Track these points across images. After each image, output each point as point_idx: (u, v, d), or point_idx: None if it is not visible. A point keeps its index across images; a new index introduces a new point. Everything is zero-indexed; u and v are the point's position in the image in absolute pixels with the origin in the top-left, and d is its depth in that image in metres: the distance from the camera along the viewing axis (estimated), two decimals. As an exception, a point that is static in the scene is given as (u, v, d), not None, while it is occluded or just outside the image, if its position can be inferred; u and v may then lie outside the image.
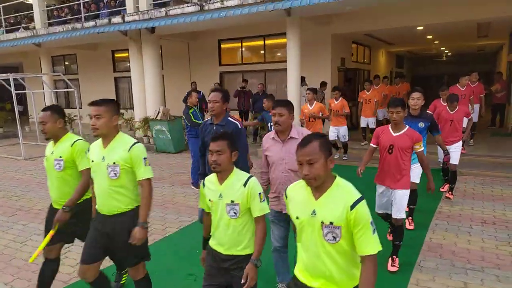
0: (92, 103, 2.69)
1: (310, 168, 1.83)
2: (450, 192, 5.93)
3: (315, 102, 7.39)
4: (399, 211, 3.77)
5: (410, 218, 4.84)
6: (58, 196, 3.14)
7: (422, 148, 3.79)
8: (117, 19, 11.30)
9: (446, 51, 21.24)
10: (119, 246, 2.79)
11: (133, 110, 12.50)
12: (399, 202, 3.76)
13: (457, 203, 5.68)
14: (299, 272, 2.02)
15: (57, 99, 17.00)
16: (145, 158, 2.79)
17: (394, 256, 3.87)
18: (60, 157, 3.07)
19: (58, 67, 18.00)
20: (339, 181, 1.94)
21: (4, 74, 10.96)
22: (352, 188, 1.91)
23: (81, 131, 12.04)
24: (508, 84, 12.12)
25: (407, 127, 3.78)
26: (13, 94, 10.78)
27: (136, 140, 2.84)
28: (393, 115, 3.70)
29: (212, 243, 2.51)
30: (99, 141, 2.80)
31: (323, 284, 1.92)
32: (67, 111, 15.70)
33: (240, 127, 3.71)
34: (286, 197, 2.08)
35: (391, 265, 3.83)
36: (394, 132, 3.77)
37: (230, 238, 2.40)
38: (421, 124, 4.52)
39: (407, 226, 4.76)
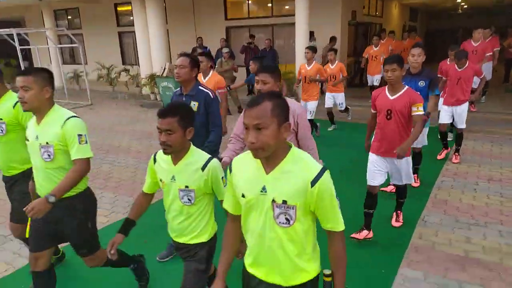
0: (18, 73, 2.37)
1: (257, 134, 1.46)
2: (457, 154, 5.63)
3: (314, 62, 6.64)
4: (407, 178, 3.61)
5: (415, 175, 4.75)
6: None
7: (420, 112, 3.29)
8: (118, -30, 10.84)
9: (462, 3, 20.23)
10: (67, 233, 2.54)
11: (139, 66, 12.34)
12: (406, 170, 3.55)
13: (465, 160, 5.67)
14: (245, 260, 1.76)
15: (62, 55, 16.81)
16: (80, 135, 2.38)
17: (399, 211, 3.94)
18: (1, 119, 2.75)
19: (61, 21, 17.60)
20: (295, 151, 1.58)
21: (7, 29, 10.75)
22: (310, 160, 1.58)
23: (88, 87, 11.99)
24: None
25: (406, 87, 3.40)
26: (18, 50, 10.65)
27: (72, 114, 2.45)
28: (387, 73, 3.29)
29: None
30: (34, 117, 2.47)
31: (266, 273, 1.66)
32: (72, 67, 15.74)
33: (212, 96, 3.30)
34: (230, 171, 1.71)
35: (395, 220, 3.91)
36: (391, 94, 3.38)
37: (182, 226, 2.18)
38: (421, 83, 4.23)
39: (413, 184, 4.46)
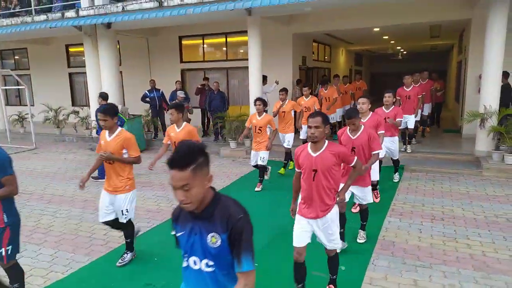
0: None
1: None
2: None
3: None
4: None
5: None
6: None
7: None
8: (70, 14, 10.78)
9: (401, 50, 22.11)
10: None
11: (89, 108, 12.00)
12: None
13: (410, 200, 5.96)
14: None
15: (7, 96, 16.02)
16: None
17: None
18: None
19: (8, 61, 16.93)
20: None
21: None
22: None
23: (33, 130, 11.40)
24: (458, 83, 12.84)
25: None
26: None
27: None
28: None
29: None
30: None
31: None
32: (17, 108, 14.96)
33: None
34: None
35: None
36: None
37: None
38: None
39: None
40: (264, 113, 6.67)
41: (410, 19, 10.12)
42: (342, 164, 3.30)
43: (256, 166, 6.76)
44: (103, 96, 7.60)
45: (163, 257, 4.30)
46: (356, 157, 3.36)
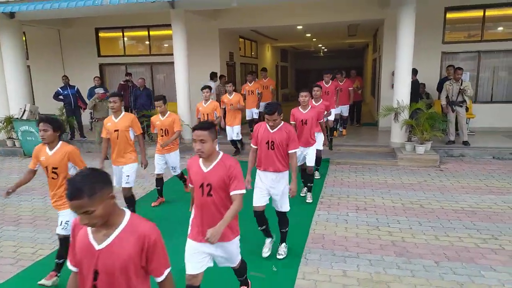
0: None
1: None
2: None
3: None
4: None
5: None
6: None
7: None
8: (-38, -1, 9.34)
9: (323, 48, 23.19)
10: None
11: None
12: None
13: (336, 192, 6.23)
14: None
15: None
16: None
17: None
18: None
19: None
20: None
21: None
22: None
23: None
24: (373, 79, 13.82)
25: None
26: None
27: None
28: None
29: None
30: None
31: None
32: None
33: None
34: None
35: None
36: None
37: None
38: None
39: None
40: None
41: (331, 18, 10.60)
42: None
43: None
44: None
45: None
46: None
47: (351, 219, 5.14)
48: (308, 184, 5.91)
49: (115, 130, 4.87)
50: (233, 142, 8.49)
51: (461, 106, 8.32)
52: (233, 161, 2.77)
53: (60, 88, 9.95)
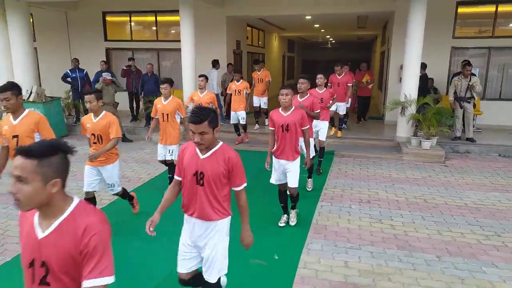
0: None
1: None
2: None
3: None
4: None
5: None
6: None
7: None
8: (-31, -22, 9.30)
9: (330, 39, 22.99)
10: None
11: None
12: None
13: (340, 184, 6.23)
14: None
15: None
16: None
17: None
18: None
19: None
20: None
21: None
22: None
23: None
24: (381, 72, 13.70)
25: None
26: None
27: None
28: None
29: None
30: None
31: None
32: None
33: None
34: None
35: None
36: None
37: None
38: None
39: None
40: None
41: (340, 9, 10.46)
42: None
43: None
44: None
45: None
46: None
47: (354, 211, 5.15)
48: (292, 204, 4.75)
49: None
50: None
51: (469, 102, 8.25)
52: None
53: (69, 70, 9.96)
